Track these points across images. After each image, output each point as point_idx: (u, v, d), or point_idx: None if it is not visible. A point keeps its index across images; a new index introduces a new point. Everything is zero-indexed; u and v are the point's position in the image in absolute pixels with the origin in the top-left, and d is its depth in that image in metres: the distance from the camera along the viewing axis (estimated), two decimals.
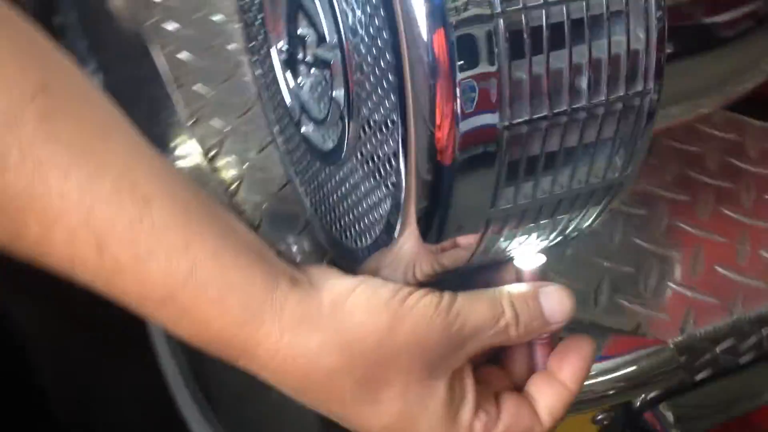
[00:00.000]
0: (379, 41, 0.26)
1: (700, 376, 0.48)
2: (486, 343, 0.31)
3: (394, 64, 0.26)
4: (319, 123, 0.34)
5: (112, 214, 0.28)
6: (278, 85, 0.38)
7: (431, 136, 0.25)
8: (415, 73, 0.25)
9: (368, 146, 0.30)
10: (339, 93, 0.30)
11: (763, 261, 0.47)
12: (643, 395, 0.46)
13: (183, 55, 0.54)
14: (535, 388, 0.33)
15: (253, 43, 0.41)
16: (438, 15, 0.24)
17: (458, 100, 0.24)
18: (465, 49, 0.24)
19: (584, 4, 0.24)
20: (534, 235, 0.31)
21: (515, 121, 0.25)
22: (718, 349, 0.46)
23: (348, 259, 0.36)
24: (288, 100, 0.37)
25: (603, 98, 0.26)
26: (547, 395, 0.33)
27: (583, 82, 0.25)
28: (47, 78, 0.28)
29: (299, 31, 0.33)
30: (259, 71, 0.41)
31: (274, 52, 0.37)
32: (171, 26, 0.56)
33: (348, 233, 0.35)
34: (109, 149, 0.29)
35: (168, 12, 0.57)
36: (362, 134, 0.30)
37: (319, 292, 0.30)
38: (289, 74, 0.36)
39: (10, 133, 0.27)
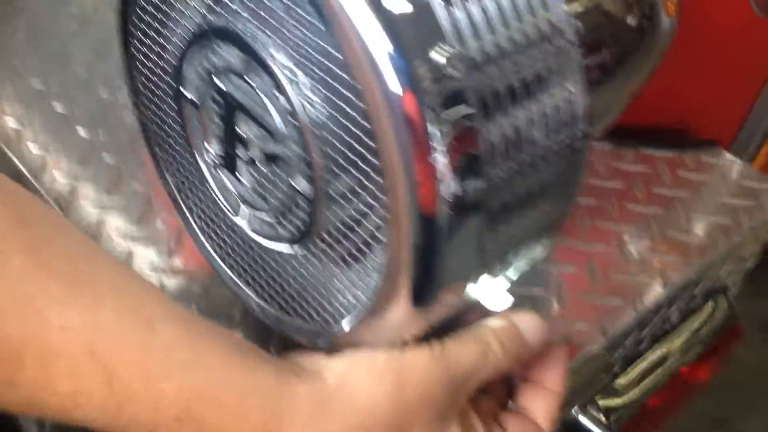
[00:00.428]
0: (352, 127, 0.28)
1: (615, 370, 0.53)
2: (482, 378, 0.33)
3: (372, 146, 0.28)
4: (270, 214, 0.35)
5: (119, 341, 0.27)
6: (204, 186, 0.39)
7: (419, 203, 0.28)
8: (399, 149, 0.27)
9: (342, 225, 0.32)
10: (300, 181, 0.32)
11: (641, 258, 0.54)
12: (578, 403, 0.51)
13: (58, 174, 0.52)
14: (527, 400, 0.36)
15: (164, 154, 0.41)
16: (413, 86, 0.26)
17: (443, 163, 0.27)
18: (441, 119, 0.27)
19: (528, 68, 0.28)
20: (504, 274, 0.33)
21: (493, 175, 0.28)
22: (627, 342, 0.52)
23: (312, 338, 0.36)
24: (221, 198, 0.38)
25: (554, 144, 0.30)
26: (541, 404, 0.36)
27: (539, 133, 0.29)
28: (23, 211, 0.27)
29: (240, 131, 0.34)
30: (174, 179, 0.41)
31: (203, 155, 0.37)
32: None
33: (316, 313, 0.36)
34: (101, 275, 0.28)
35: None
36: (334, 215, 0.32)
37: (321, 377, 0.31)
38: (224, 174, 0.37)
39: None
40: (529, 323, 0.35)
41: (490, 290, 0.34)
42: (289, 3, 0.28)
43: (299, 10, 0.28)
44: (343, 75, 0.28)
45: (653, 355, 0.56)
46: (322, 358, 0.33)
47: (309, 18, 0.28)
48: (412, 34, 0.26)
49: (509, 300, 0.36)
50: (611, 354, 0.49)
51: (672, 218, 0.57)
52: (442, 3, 0.27)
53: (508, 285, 0.35)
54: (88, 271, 0.28)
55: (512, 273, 0.35)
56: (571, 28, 0.29)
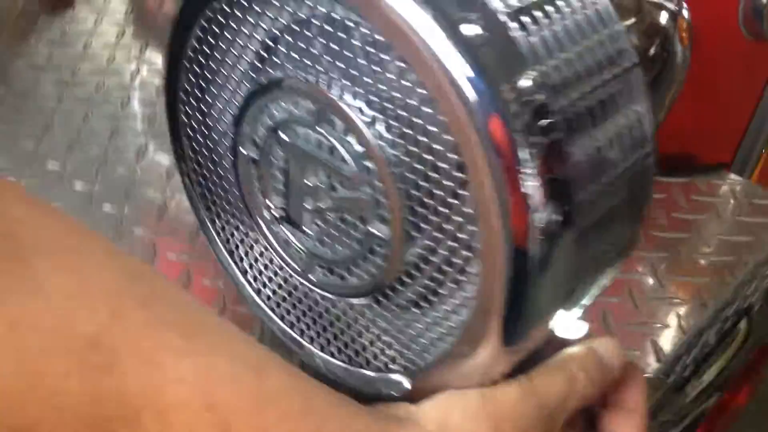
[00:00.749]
0: (437, 162, 0.28)
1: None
2: (571, 408, 0.33)
3: (460, 178, 0.28)
4: (340, 264, 0.35)
5: (235, 391, 0.27)
6: (263, 245, 0.38)
7: (512, 232, 0.27)
8: (490, 178, 0.27)
9: (423, 266, 0.31)
10: (376, 225, 0.32)
11: (675, 282, 0.54)
12: None
13: None
14: (611, 425, 0.35)
15: (215, 217, 0.40)
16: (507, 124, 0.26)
17: (535, 189, 0.27)
18: (531, 143, 0.27)
19: (604, 90, 0.29)
20: (581, 304, 0.33)
21: (581, 199, 0.28)
22: (677, 368, 0.52)
23: (385, 388, 0.36)
24: (284, 255, 0.37)
25: (630, 163, 0.30)
26: (627, 427, 0.35)
27: (617, 153, 0.29)
28: (131, 268, 0.27)
29: (308, 182, 0.33)
30: (226, 242, 0.40)
31: (263, 213, 0.37)
32: None
33: (391, 361, 0.35)
34: (209, 325, 0.28)
35: None
36: (414, 256, 0.31)
37: (419, 425, 0.31)
38: (287, 229, 0.36)
39: (118, 324, 0.25)
40: (608, 348, 0.35)
41: (567, 319, 0.34)
42: (361, 45, 0.29)
43: (373, 50, 0.29)
44: (426, 109, 0.28)
45: (700, 380, 0.57)
46: (409, 405, 0.32)
47: (385, 56, 0.28)
48: (493, 60, 0.27)
49: (585, 328, 0.36)
50: (666, 380, 0.49)
51: (697, 241, 0.58)
52: (518, 27, 0.27)
53: (581, 313, 0.35)
54: (198, 321, 0.28)
55: (586, 301, 0.35)
56: (632, 48, 0.30)
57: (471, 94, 0.26)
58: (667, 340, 0.50)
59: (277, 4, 0.30)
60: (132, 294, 0.26)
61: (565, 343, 0.35)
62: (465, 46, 0.26)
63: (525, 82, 0.27)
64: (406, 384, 0.35)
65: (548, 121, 0.27)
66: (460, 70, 0.26)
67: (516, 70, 0.27)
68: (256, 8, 0.31)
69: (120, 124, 0.63)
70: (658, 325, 0.50)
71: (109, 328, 0.25)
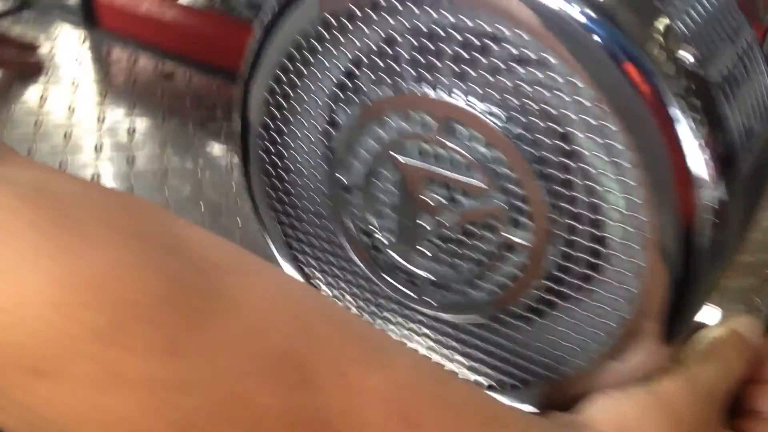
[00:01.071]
0: (590, 151, 0.27)
1: None
2: (727, 390, 0.32)
3: (615, 163, 0.27)
4: (460, 280, 0.33)
5: (425, 402, 0.25)
6: (360, 276, 0.36)
7: (680, 214, 0.26)
8: (656, 156, 0.26)
9: (568, 264, 0.30)
10: (512, 231, 0.30)
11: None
12: None
13: None
14: (763, 399, 0.34)
15: (293, 251, 0.38)
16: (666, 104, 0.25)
17: (703, 164, 0.26)
18: (696, 116, 0.26)
19: (741, 61, 0.28)
20: None
21: (740, 175, 0.27)
22: None
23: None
24: (389, 283, 0.35)
25: (766, 135, 0.29)
26: None
27: (758, 124, 0.29)
28: (300, 283, 0.28)
29: (423, 198, 0.31)
30: (304, 273, 0.38)
31: (360, 241, 0.35)
32: None
33: (524, 374, 0.33)
34: (384, 340, 0.27)
35: None
36: (559, 255, 0.30)
37: (595, 430, 0.30)
38: (395, 254, 0.34)
39: (307, 340, 0.24)
40: (747, 325, 0.34)
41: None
42: (491, 43, 0.27)
43: (505, 45, 0.27)
44: (571, 98, 0.27)
45: None
46: (565, 414, 0.31)
47: (521, 50, 0.27)
48: (637, 24, 0.25)
49: (718, 312, 0.35)
50: None
51: None
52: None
53: None
54: (373, 334, 0.27)
55: None
56: (748, 22, 0.30)
57: (630, 68, 0.25)
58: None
59: (385, 17, 0.28)
60: (313, 310, 0.25)
61: (698, 326, 0.34)
62: (602, 12, 0.25)
63: (684, 54, 0.26)
64: (533, 408, 0.33)
65: (706, 92, 0.26)
66: (614, 46, 0.25)
67: (664, 33, 0.26)
68: (360, 26, 0.29)
69: (133, 183, 0.60)
70: (735, 307, 0.50)
71: (301, 345, 0.23)
